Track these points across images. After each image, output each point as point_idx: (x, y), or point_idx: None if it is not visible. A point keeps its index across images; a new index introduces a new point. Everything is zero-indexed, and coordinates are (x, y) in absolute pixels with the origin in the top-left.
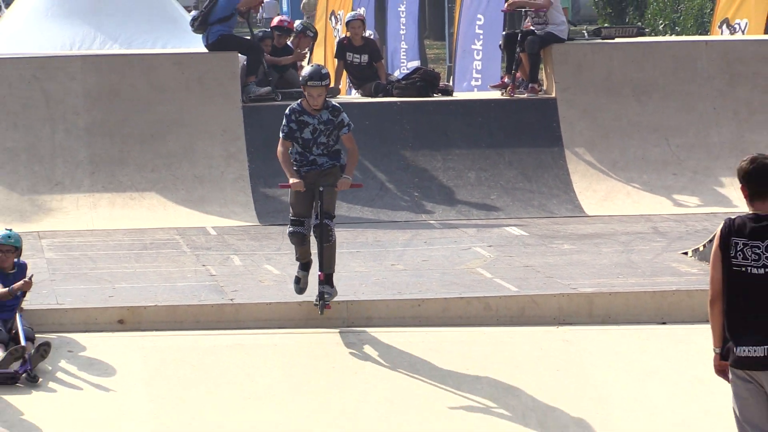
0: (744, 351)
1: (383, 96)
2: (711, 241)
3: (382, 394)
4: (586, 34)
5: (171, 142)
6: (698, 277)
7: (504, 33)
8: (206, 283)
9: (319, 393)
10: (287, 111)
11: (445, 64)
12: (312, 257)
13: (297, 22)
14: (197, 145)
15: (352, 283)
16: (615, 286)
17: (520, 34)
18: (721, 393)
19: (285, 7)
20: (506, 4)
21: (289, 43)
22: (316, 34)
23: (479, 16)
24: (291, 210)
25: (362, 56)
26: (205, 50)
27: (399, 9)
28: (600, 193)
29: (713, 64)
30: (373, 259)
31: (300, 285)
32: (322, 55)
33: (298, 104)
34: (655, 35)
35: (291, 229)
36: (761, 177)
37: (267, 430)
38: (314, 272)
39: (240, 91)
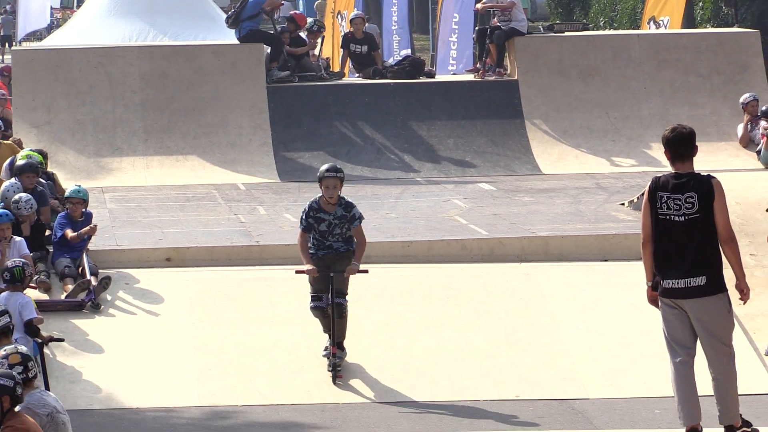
0: (669, 283)
1: (379, 78)
2: (642, 194)
3: (379, 317)
4: (542, 29)
5: (209, 115)
6: (633, 223)
7: (476, 28)
8: (237, 229)
9: None
10: (306, 207)
11: (429, 53)
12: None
13: (309, 20)
14: (230, 117)
15: None
16: (566, 231)
17: (489, 29)
18: (652, 317)
19: (301, 7)
20: (479, 6)
21: (303, 35)
22: (323, 28)
23: (455, 14)
24: (311, 287)
25: (363, 47)
26: (237, 42)
27: (392, 9)
28: (553, 156)
29: (643, 52)
30: (371, 209)
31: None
32: (330, 46)
33: (315, 202)
34: (597, 30)
35: (312, 304)
36: (680, 143)
37: (286, 346)
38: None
39: (265, 75)
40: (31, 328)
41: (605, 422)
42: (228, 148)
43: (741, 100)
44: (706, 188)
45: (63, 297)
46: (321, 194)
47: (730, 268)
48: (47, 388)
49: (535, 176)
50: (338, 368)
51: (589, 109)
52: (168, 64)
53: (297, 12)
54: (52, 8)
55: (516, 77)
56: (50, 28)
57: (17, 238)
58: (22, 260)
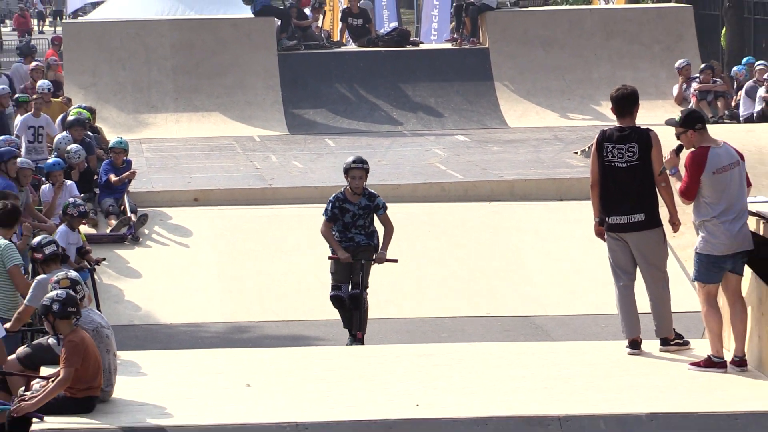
0: (614, 219)
1: (372, 47)
2: (592, 145)
3: None
4: (509, 5)
5: (229, 78)
6: (584, 168)
7: (454, 4)
8: (253, 174)
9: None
10: (332, 198)
11: (414, 25)
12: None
13: None
14: (246, 80)
15: None
16: (528, 175)
17: (465, 5)
18: (600, 248)
19: None
20: None
21: (307, 11)
22: (324, 4)
23: None
24: (332, 277)
25: (358, 20)
26: (252, 16)
27: None
28: (518, 112)
29: (595, 24)
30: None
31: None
32: (330, 18)
33: (341, 193)
34: (556, 6)
35: (332, 293)
36: (624, 101)
37: (294, 272)
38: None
39: (276, 44)
40: (82, 252)
41: (561, 335)
42: (245, 106)
43: (676, 65)
44: (645, 139)
45: (108, 231)
46: (346, 186)
47: (664, 207)
48: (98, 308)
49: (503, 129)
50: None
51: (549, 72)
52: (194, 35)
53: None
54: None
55: (487, 46)
56: (95, 4)
57: (68, 182)
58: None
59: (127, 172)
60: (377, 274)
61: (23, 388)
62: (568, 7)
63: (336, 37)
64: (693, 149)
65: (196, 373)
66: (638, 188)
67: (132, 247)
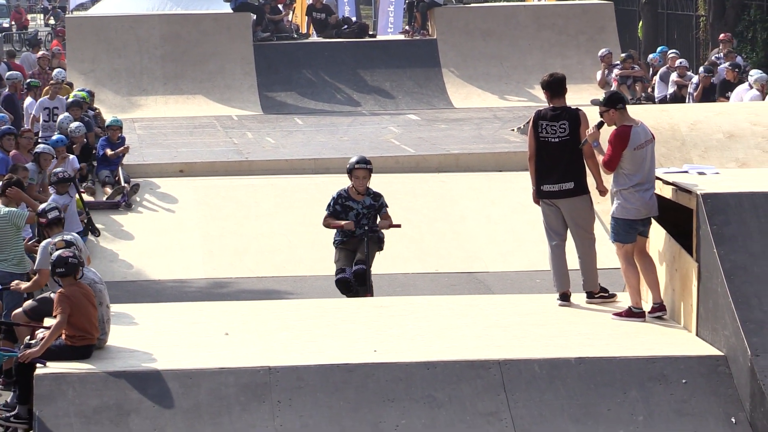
0: (547, 187)
1: (335, 38)
2: (527, 123)
3: None
4: (453, 2)
5: (211, 65)
6: (520, 144)
7: (406, 1)
8: (231, 148)
9: (299, 210)
10: (335, 194)
11: (372, 19)
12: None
13: None
14: (226, 66)
15: (317, 147)
16: (472, 149)
17: (416, 2)
18: (535, 212)
19: None
20: None
21: (280, 6)
22: (294, 1)
23: None
24: (336, 265)
25: (322, 14)
26: (231, 11)
27: None
28: (463, 95)
29: (528, 18)
30: (330, 134)
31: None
32: (299, 11)
33: (344, 191)
34: (494, 2)
35: (337, 277)
36: (556, 85)
37: (267, 234)
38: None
39: (252, 36)
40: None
41: (500, 289)
42: (225, 89)
43: (599, 53)
44: (575, 117)
45: (104, 199)
46: (350, 185)
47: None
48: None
49: (449, 110)
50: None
51: (488, 60)
52: (181, 28)
53: None
54: None
55: (435, 37)
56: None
57: (71, 156)
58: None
59: (122, 147)
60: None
61: (28, 337)
62: (504, 3)
63: (304, 30)
64: (615, 126)
65: (181, 323)
66: (568, 160)
67: (125, 213)
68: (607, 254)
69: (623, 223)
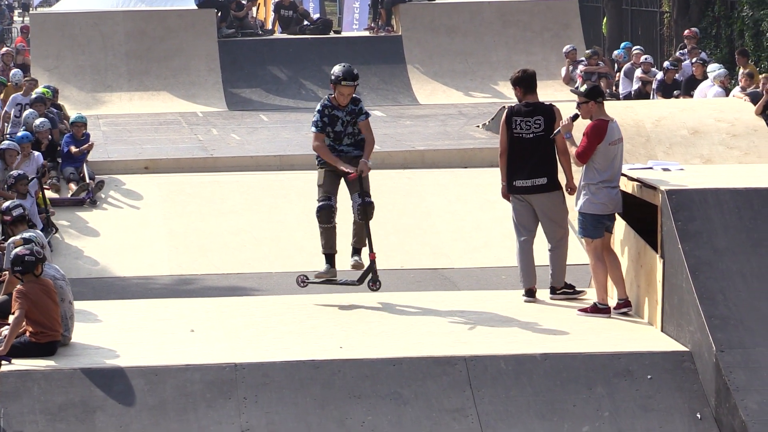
0: (519, 183)
1: (300, 34)
2: (492, 119)
3: (299, 210)
4: None
5: (176, 62)
6: (485, 140)
7: None
8: (196, 145)
9: (264, 206)
10: (319, 107)
11: (337, 16)
12: (335, 250)
13: None
14: (191, 63)
15: (282, 144)
16: (437, 146)
17: None
18: (500, 208)
19: None
20: None
21: (244, 2)
22: None
23: None
24: (319, 190)
25: (289, 11)
26: (196, 7)
27: None
28: (428, 91)
29: (493, 15)
30: (294, 130)
31: (330, 275)
32: (264, 11)
33: (327, 100)
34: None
35: (322, 203)
36: (529, 81)
37: (232, 231)
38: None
39: (216, 32)
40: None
41: (466, 285)
42: (189, 86)
43: (564, 49)
44: (550, 113)
45: (69, 195)
46: (332, 94)
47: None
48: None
49: (414, 106)
50: (378, 282)
51: (453, 56)
52: (145, 24)
53: None
54: None
55: (400, 33)
56: None
57: (36, 153)
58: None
59: (86, 144)
60: (304, 230)
61: None
62: (471, 0)
63: (268, 26)
64: (592, 120)
65: (147, 320)
66: (541, 155)
67: (90, 210)
68: (572, 250)
69: (591, 218)
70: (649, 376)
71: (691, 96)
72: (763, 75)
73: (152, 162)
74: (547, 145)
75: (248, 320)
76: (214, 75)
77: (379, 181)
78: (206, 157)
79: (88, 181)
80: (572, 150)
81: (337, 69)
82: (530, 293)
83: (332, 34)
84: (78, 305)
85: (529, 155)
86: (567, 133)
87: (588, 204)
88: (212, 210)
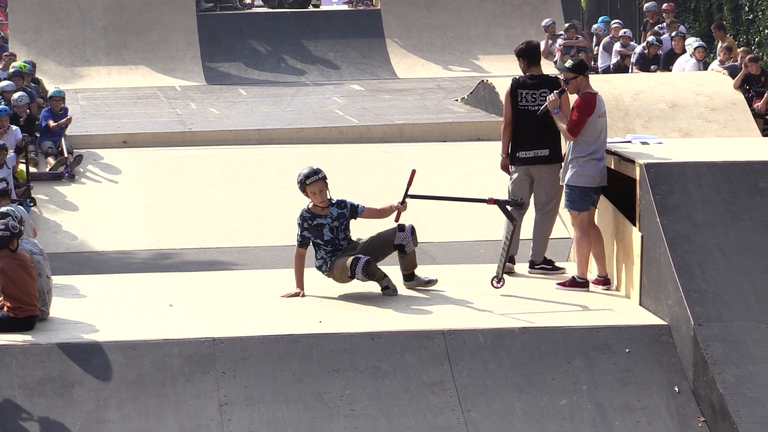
0: (523, 154)
1: (280, 8)
2: (471, 93)
3: (278, 184)
4: None
5: (154, 35)
6: (464, 114)
7: None
8: (175, 119)
9: (243, 180)
10: (299, 220)
11: None
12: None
13: None
14: (170, 37)
15: (261, 119)
16: (416, 120)
17: None
18: (480, 182)
19: None
20: None
21: None
22: None
23: None
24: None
25: None
26: None
27: None
28: (406, 65)
29: None
30: (273, 104)
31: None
32: None
33: (306, 210)
34: None
35: (364, 258)
36: (532, 53)
37: (211, 205)
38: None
39: (195, 5)
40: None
41: (444, 259)
42: (168, 60)
43: (543, 23)
44: (555, 86)
45: (47, 170)
46: (309, 203)
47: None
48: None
49: (393, 80)
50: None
51: (432, 30)
52: None
53: None
54: None
55: (379, 7)
56: None
57: (14, 127)
58: None
59: (64, 119)
60: (283, 204)
61: None
62: None
63: (247, 0)
64: (580, 93)
65: (125, 294)
66: (545, 128)
67: (68, 184)
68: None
69: (579, 190)
70: (627, 350)
71: (670, 70)
72: (742, 48)
73: (130, 136)
74: (550, 117)
75: (227, 295)
76: (192, 49)
77: (357, 155)
78: (185, 131)
79: (66, 155)
80: (561, 125)
81: (300, 174)
82: (511, 260)
83: (311, 8)
84: (56, 280)
85: (533, 127)
86: (555, 109)
87: (576, 177)
88: (191, 184)
